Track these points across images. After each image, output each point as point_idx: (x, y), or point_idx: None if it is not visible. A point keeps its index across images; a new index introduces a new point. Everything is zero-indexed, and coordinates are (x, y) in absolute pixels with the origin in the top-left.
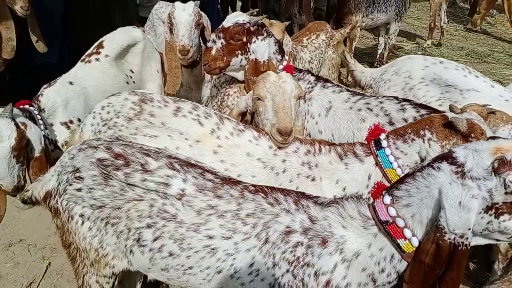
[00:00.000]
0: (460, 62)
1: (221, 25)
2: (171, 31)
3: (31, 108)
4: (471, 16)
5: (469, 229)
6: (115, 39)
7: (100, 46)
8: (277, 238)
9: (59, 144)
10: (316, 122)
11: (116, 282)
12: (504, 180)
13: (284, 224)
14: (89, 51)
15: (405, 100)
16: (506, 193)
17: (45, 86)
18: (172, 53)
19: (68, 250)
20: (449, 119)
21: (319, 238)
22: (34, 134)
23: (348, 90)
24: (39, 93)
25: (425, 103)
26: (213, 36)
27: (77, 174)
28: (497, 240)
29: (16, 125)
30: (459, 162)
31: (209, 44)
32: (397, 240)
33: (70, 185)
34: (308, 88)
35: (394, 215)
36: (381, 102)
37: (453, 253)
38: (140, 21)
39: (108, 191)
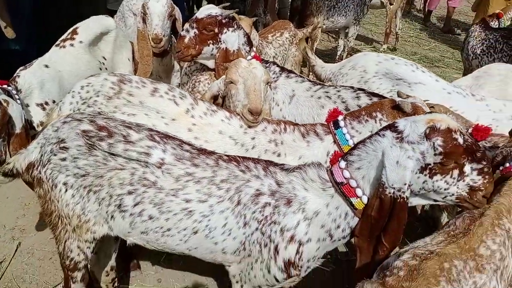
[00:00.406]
0: None
1: (194, 16)
2: (144, 20)
3: (9, 88)
4: (426, 24)
5: (405, 184)
6: (89, 27)
7: (74, 32)
8: (247, 200)
9: (34, 125)
10: (281, 109)
11: (95, 248)
12: (434, 144)
13: (254, 187)
14: (63, 37)
15: (360, 89)
16: (435, 154)
17: (21, 68)
18: (144, 42)
19: (50, 218)
20: (397, 103)
21: (284, 199)
22: (15, 111)
23: (309, 81)
24: (15, 75)
25: None
26: (186, 25)
27: (62, 145)
28: (435, 200)
29: None
30: (399, 130)
31: (183, 33)
32: (350, 198)
33: (55, 155)
34: (274, 78)
35: (348, 177)
36: (338, 91)
37: (393, 206)
38: (108, 14)
39: (91, 160)
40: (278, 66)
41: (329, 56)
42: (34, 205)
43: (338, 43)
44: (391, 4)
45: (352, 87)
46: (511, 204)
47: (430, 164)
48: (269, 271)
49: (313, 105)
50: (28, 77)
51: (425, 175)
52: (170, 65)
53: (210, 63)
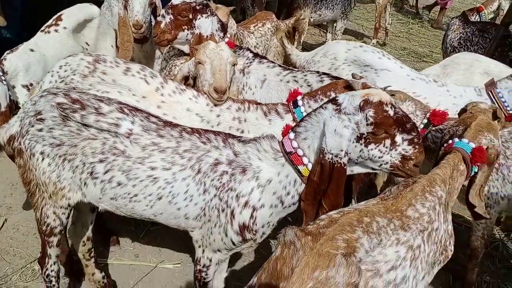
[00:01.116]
0: (401, 60)
1: (170, 3)
2: (125, 7)
3: None
4: (418, 17)
5: (342, 150)
6: (73, 13)
7: (59, 19)
8: (207, 169)
9: (20, 105)
10: (253, 93)
11: (71, 214)
12: (366, 115)
13: (214, 157)
14: (48, 23)
15: (324, 73)
16: (367, 124)
17: (7, 51)
18: (124, 28)
19: (29, 186)
20: (350, 82)
21: (240, 168)
22: (0, 90)
23: (280, 66)
24: (2, 58)
25: None
26: (162, 11)
27: (38, 117)
28: (372, 168)
29: None
30: (339, 102)
31: (159, 18)
32: (298, 166)
33: (32, 126)
34: (247, 63)
35: (296, 146)
36: (305, 75)
37: (332, 170)
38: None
39: (66, 130)
40: (251, 52)
41: None
42: (21, 185)
43: (327, 37)
44: None
45: (317, 72)
46: (446, 176)
47: (364, 134)
48: (226, 235)
49: (282, 89)
50: (14, 60)
51: (361, 144)
52: (151, 52)
53: (186, 48)
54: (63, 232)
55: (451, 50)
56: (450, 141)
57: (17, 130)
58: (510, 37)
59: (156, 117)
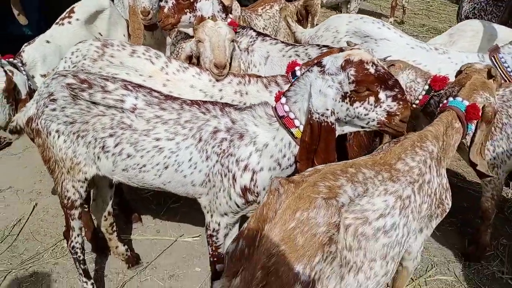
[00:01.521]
0: (420, 37)
1: None
2: None
3: (15, 61)
4: None
5: (327, 109)
6: (85, 5)
7: (72, 11)
8: (207, 137)
9: None
10: (258, 70)
11: (94, 195)
12: (348, 73)
13: (213, 125)
14: (62, 16)
15: (324, 46)
16: (349, 83)
17: (25, 44)
18: (134, 16)
19: (48, 164)
20: (344, 49)
21: (238, 134)
22: (20, 79)
23: (282, 42)
24: (21, 50)
25: None
26: None
27: (51, 97)
28: (362, 127)
29: (5, 71)
30: (323, 64)
31: (162, 3)
32: (291, 129)
33: (47, 107)
34: (251, 42)
35: (287, 110)
36: (306, 49)
37: (320, 129)
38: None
39: (77, 109)
40: (254, 31)
41: None
42: None
43: None
44: None
45: (318, 45)
46: (439, 132)
47: (348, 92)
48: (230, 198)
49: (285, 63)
50: (31, 51)
51: (346, 103)
52: (161, 38)
53: (191, 31)
54: (83, 205)
55: None
56: (445, 101)
57: (34, 112)
58: None
59: (157, 92)
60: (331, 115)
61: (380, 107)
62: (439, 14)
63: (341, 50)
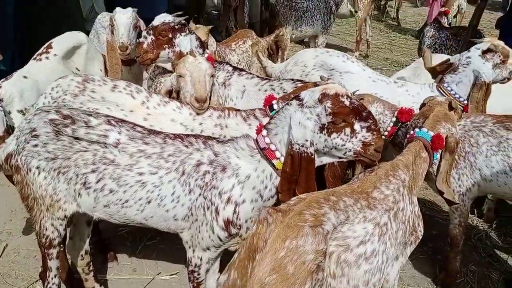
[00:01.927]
0: (384, 70)
1: (150, 24)
2: (112, 32)
3: None
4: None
5: (307, 140)
6: (62, 41)
7: (49, 47)
8: (190, 170)
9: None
10: (235, 104)
11: (68, 228)
12: (325, 106)
13: (196, 159)
14: (39, 51)
15: (298, 80)
16: (327, 115)
17: (2, 80)
18: (112, 52)
19: (27, 201)
20: (317, 84)
21: (220, 167)
22: None
23: (258, 76)
24: None
25: None
26: (144, 33)
27: (33, 133)
28: (339, 157)
29: None
30: (301, 98)
31: (141, 39)
32: (272, 160)
33: (28, 143)
34: (227, 76)
35: (268, 142)
36: (281, 83)
37: (301, 160)
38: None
39: (59, 144)
40: (231, 66)
41: None
42: (19, 211)
43: None
44: (356, 12)
45: (292, 79)
46: (409, 161)
47: (325, 124)
48: (213, 231)
49: (261, 97)
50: (9, 87)
51: (324, 134)
52: (139, 73)
53: (168, 66)
54: (61, 244)
55: None
56: (412, 132)
57: (13, 148)
58: (478, 37)
59: (141, 126)
60: (311, 146)
61: (356, 137)
62: (401, 48)
63: (315, 84)
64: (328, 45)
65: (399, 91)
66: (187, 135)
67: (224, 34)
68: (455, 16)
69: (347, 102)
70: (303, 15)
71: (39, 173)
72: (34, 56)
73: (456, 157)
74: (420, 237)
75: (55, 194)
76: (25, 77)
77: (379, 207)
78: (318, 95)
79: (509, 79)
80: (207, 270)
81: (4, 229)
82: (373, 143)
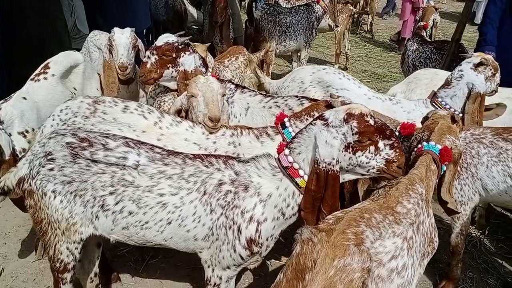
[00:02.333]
0: (364, 82)
1: (154, 44)
2: (110, 52)
3: None
4: (374, 41)
5: (333, 158)
6: (59, 61)
7: (46, 67)
8: (212, 190)
9: (17, 152)
10: (239, 121)
11: (80, 250)
12: (351, 125)
13: (217, 178)
14: (36, 71)
15: (303, 97)
16: (353, 134)
17: (1, 101)
18: (109, 71)
19: (40, 225)
20: (329, 102)
21: (242, 186)
22: (3, 140)
23: (260, 94)
24: None
25: None
26: (147, 53)
27: (49, 157)
28: (362, 174)
29: None
30: (326, 118)
31: (145, 59)
32: (295, 179)
33: (43, 166)
34: (230, 94)
35: (291, 161)
36: (285, 100)
37: (327, 178)
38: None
39: (76, 168)
40: (233, 83)
41: None
42: (13, 233)
43: (292, 65)
44: (337, 26)
45: (296, 96)
46: (423, 175)
47: (351, 143)
48: (235, 250)
49: (265, 114)
50: (9, 109)
51: (349, 152)
52: (136, 92)
53: (172, 85)
54: (74, 268)
55: (413, 68)
56: (419, 146)
57: (26, 172)
58: (460, 52)
59: (159, 147)
60: (336, 163)
61: (380, 155)
62: (377, 60)
63: (327, 102)
64: (308, 59)
65: (394, 108)
66: (207, 155)
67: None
68: (430, 29)
69: (371, 122)
70: (286, 30)
71: (55, 197)
72: (32, 77)
73: (458, 168)
74: (436, 248)
75: (71, 218)
76: (24, 98)
77: (404, 221)
78: (343, 115)
79: (495, 92)
80: None
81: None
82: (396, 160)
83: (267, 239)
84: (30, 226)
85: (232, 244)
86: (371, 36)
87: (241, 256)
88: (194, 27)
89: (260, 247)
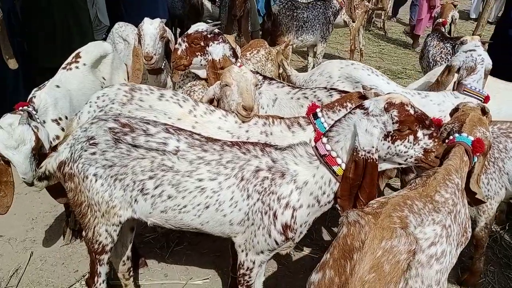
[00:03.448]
0: None
1: (186, 32)
2: (139, 41)
3: (29, 109)
4: (387, 38)
5: (373, 147)
6: (90, 51)
7: (78, 56)
8: (249, 176)
9: (51, 139)
10: (266, 112)
11: (119, 232)
12: (391, 115)
13: (254, 165)
14: (68, 61)
15: (332, 88)
16: (393, 123)
17: (35, 89)
18: (136, 58)
19: (79, 208)
20: (362, 93)
21: (279, 173)
22: (44, 135)
23: (288, 85)
24: (31, 96)
25: None
26: (179, 40)
27: (91, 141)
28: (399, 163)
29: (32, 129)
30: (366, 107)
31: (176, 46)
32: (333, 167)
33: (85, 151)
34: (258, 86)
35: (329, 149)
36: (314, 92)
37: (365, 166)
38: None
39: (117, 152)
40: (261, 74)
41: None
42: (41, 219)
43: (308, 61)
44: (353, 21)
45: (325, 88)
46: (457, 165)
47: (390, 132)
48: (270, 235)
49: (293, 105)
50: (43, 96)
51: (388, 141)
52: (164, 83)
53: (201, 73)
54: (112, 250)
55: (433, 64)
56: (451, 137)
57: (67, 156)
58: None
59: (198, 134)
60: (375, 152)
61: (418, 144)
62: (391, 57)
63: (360, 94)
64: (324, 55)
65: (423, 101)
66: (244, 143)
67: None
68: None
69: (412, 111)
70: (303, 25)
71: (96, 180)
72: (63, 66)
73: (486, 162)
74: (469, 238)
75: (111, 201)
76: (57, 86)
77: (443, 210)
78: (384, 104)
79: None
80: (256, 274)
81: (27, 237)
82: (434, 150)
83: (301, 226)
84: (57, 212)
85: (268, 229)
86: (384, 33)
87: (275, 241)
88: (209, 21)
89: (295, 233)
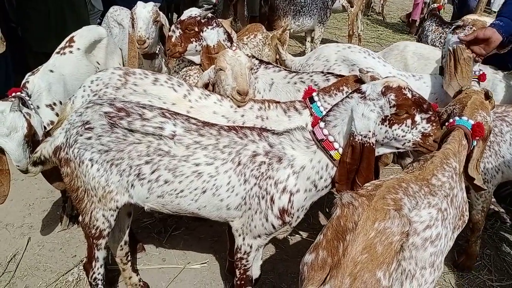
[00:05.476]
0: None
1: (179, 18)
2: (133, 25)
3: (22, 95)
4: (385, 23)
5: (370, 131)
6: (84, 35)
7: (71, 40)
8: (246, 161)
9: (45, 124)
10: (262, 96)
11: (116, 217)
12: (389, 98)
13: (251, 150)
14: (61, 45)
15: (328, 72)
16: (390, 107)
17: (29, 74)
18: (132, 44)
19: (76, 193)
20: (359, 77)
21: (276, 157)
22: (36, 121)
23: (285, 69)
24: (25, 80)
25: None
26: (173, 27)
27: (87, 126)
28: (397, 148)
29: (24, 116)
30: (363, 91)
31: (170, 33)
32: (330, 151)
33: (81, 135)
34: (254, 69)
35: (326, 134)
36: (311, 76)
37: (362, 150)
38: None
39: (113, 137)
40: (257, 59)
41: None
42: (38, 205)
43: (305, 46)
44: (351, 6)
45: (322, 72)
46: (456, 149)
47: (388, 116)
48: (267, 220)
49: (290, 90)
50: (36, 81)
51: (386, 125)
52: (159, 68)
53: (196, 59)
54: (109, 235)
55: None
56: (451, 120)
57: (62, 141)
58: None
59: (194, 118)
60: (372, 136)
61: (416, 128)
62: (389, 42)
63: (356, 77)
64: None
65: (417, 84)
66: (241, 127)
67: None
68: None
69: (409, 95)
70: (301, 10)
71: (92, 165)
72: (57, 50)
73: None
74: (466, 222)
75: (107, 186)
76: (51, 71)
77: (439, 193)
78: (381, 88)
79: None
80: (253, 258)
81: (25, 223)
82: (432, 134)
83: (298, 210)
84: (53, 198)
85: (265, 214)
86: (382, 18)
87: (273, 225)
88: (206, 6)
89: (292, 217)
